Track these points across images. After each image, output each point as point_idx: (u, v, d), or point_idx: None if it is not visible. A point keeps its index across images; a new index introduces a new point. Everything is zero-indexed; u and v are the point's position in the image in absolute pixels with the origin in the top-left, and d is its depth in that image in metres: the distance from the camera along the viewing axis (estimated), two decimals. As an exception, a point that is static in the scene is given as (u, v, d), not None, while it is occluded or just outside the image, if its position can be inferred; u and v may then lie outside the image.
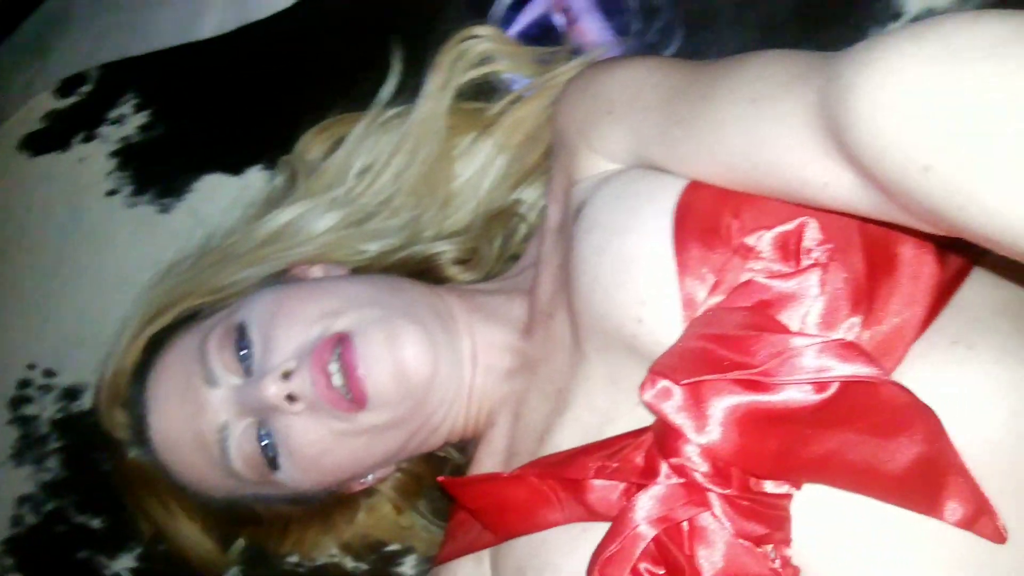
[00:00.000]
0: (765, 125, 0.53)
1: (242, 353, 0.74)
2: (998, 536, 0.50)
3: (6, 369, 1.16)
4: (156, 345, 0.81)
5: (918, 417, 0.49)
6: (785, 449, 0.52)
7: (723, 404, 0.52)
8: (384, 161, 0.91)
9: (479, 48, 0.92)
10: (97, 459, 1.09)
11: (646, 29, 0.89)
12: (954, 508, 0.49)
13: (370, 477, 0.84)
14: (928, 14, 0.83)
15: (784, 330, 0.53)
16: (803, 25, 0.87)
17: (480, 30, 0.92)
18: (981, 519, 0.49)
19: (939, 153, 0.41)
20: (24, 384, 1.15)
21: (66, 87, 1.15)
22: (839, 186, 0.49)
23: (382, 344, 0.70)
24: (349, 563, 0.98)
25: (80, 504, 1.12)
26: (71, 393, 1.13)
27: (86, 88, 1.15)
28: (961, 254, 0.58)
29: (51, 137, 1.16)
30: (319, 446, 0.73)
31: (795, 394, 0.51)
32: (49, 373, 1.14)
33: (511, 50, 0.93)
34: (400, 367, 0.70)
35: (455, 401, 0.76)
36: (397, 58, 0.96)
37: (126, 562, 1.09)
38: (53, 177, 1.15)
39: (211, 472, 0.77)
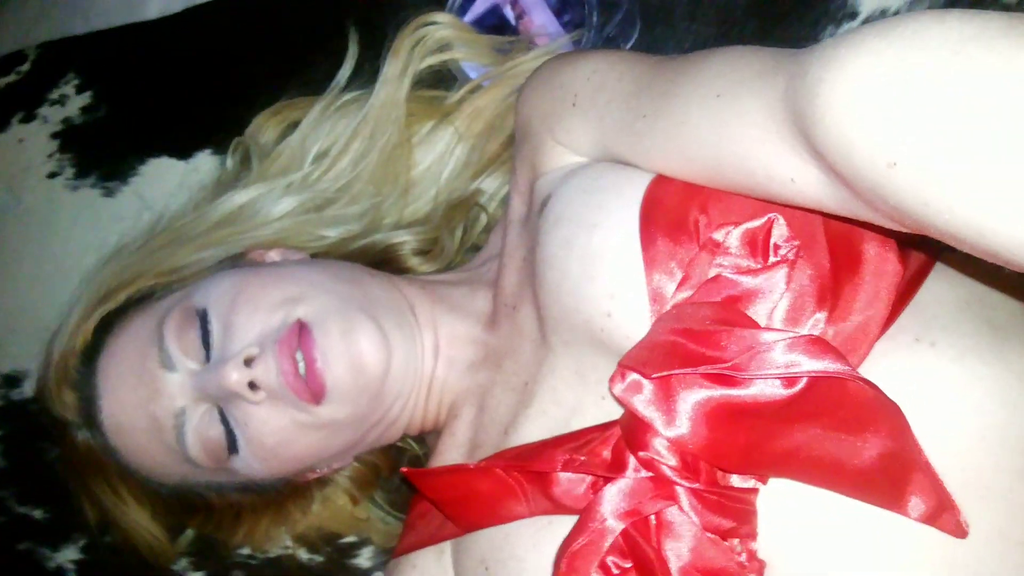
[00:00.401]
0: (730, 120, 0.53)
1: (202, 338, 0.72)
2: (960, 531, 0.51)
3: (-60, 356, 1.12)
4: (107, 326, 0.79)
5: (884, 413, 0.51)
6: (753, 443, 0.53)
7: (693, 398, 0.53)
8: (342, 146, 0.90)
9: (438, 35, 0.91)
10: (39, 448, 1.06)
11: (604, 22, 0.90)
12: (917, 503, 0.51)
13: (326, 467, 0.84)
14: (880, 15, 0.85)
15: (754, 325, 0.54)
16: (760, 22, 0.89)
17: (438, 16, 0.91)
18: (943, 515, 0.51)
19: (905, 149, 0.41)
20: (-40, 372, 1.11)
21: (3, 65, 1.11)
22: (805, 182, 0.50)
23: (338, 337, 0.70)
24: (304, 555, 0.98)
25: (21, 495, 1.09)
26: (11, 381, 1.10)
27: (24, 67, 1.10)
28: (923, 251, 0.60)
29: (-12, 116, 1.11)
30: (278, 436, 0.72)
31: (764, 389, 0.52)
32: (-14, 361, 1.10)
33: (469, 38, 0.92)
34: (355, 361, 0.70)
35: (413, 394, 0.76)
36: (353, 41, 0.94)
37: (70, 554, 1.07)
38: (-10, 158, 1.11)
39: (165, 457, 0.76)
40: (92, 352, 0.78)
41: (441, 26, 0.91)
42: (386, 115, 0.89)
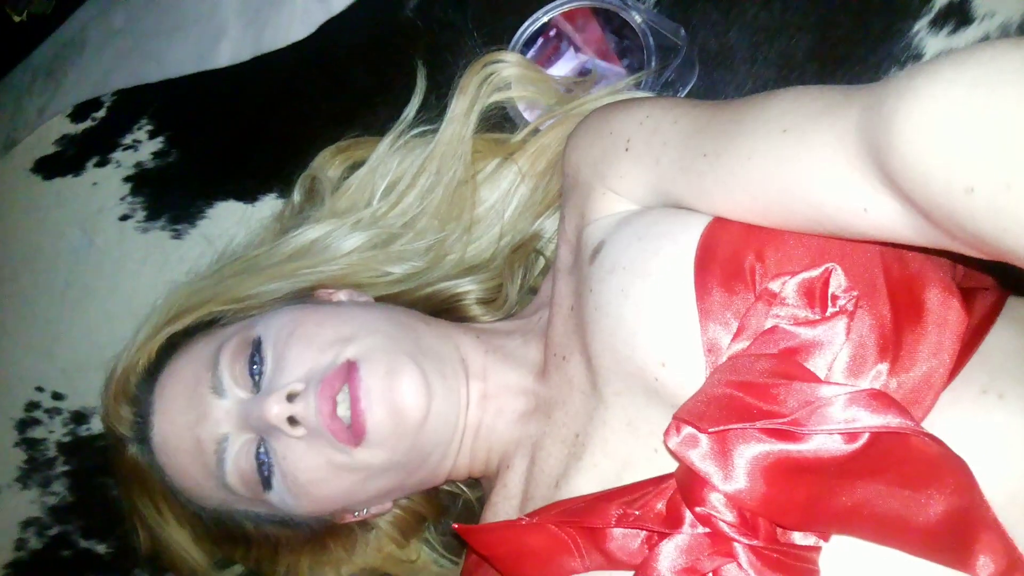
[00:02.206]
0: (799, 154, 0.53)
1: (253, 368, 0.74)
2: None
3: (14, 390, 1.16)
4: (171, 347, 0.81)
5: (949, 469, 0.49)
6: (813, 499, 0.51)
7: (750, 453, 0.52)
8: (409, 181, 0.92)
9: (505, 72, 0.92)
10: (104, 484, 1.09)
11: (663, 67, 0.90)
12: (986, 563, 0.49)
13: (365, 511, 0.84)
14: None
15: (813, 378, 0.53)
16: (821, 65, 0.88)
17: (506, 56, 0.92)
18: (1014, 575, 0.49)
19: (982, 175, 0.42)
20: (32, 406, 1.14)
21: (80, 112, 1.15)
22: (879, 212, 0.50)
23: (382, 378, 0.70)
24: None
25: (86, 529, 1.11)
26: (79, 417, 1.13)
27: (100, 113, 1.15)
28: (988, 298, 0.58)
29: (64, 161, 1.16)
30: (313, 474, 0.72)
31: (825, 444, 0.51)
32: (57, 396, 1.14)
33: (535, 76, 0.93)
34: (395, 404, 0.70)
35: (455, 442, 0.76)
36: (421, 77, 0.96)
37: (131, 589, 1.09)
38: (66, 201, 1.15)
39: (205, 481, 0.77)
40: (154, 370, 0.81)
41: (508, 64, 0.92)
42: (452, 151, 0.90)
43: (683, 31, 0.90)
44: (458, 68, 0.94)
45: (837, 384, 0.52)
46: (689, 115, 0.64)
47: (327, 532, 0.87)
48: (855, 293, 0.54)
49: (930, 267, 0.56)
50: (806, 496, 0.52)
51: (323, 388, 0.69)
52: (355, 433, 0.69)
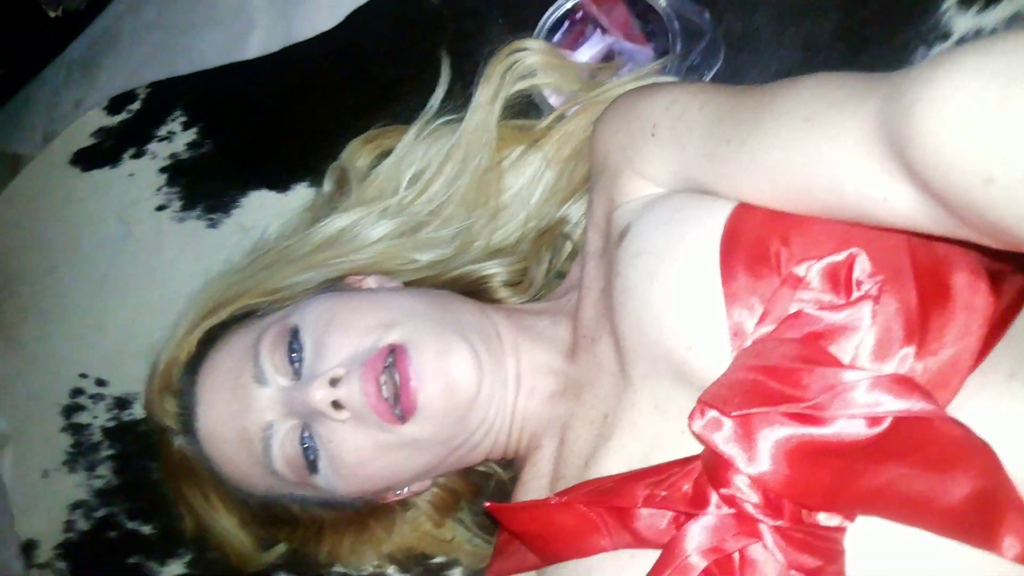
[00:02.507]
0: (821, 142, 0.53)
1: (292, 356, 0.75)
2: None
3: (59, 377, 1.20)
4: (211, 339, 0.83)
5: (974, 452, 0.50)
6: (837, 482, 0.52)
7: (773, 436, 0.53)
8: (435, 169, 0.93)
9: (529, 60, 0.92)
10: (148, 468, 1.12)
11: (688, 51, 0.90)
12: (1012, 543, 0.50)
13: (406, 490, 0.86)
14: (975, 35, 0.83)
15: (836, 363, 0.54)
16: (847, 45, 0.87)
17: (530, 43, 0.93)
18: None
19: (1001, 165, 0.42)
20: (77, 392, 1.18)
21: (115, 104, 1.18)
22: (898, 200, 0.50)
23: (434, 356, 0.72)
24: (394, 574, 1.00)
25: (131, 511, 1.15)
26: (122, 403, 1.16)
27: (135, 106, 1.17)
28: (1016, 281, 0.59)
29: (102, 153, 1.18)
30: (359, 455, 0.74)
31: (847, 428, 0.51)
32: (101, 383, 1.17)
33: (559, 64, 0.94)
34: (449, 382, 0.72)
35: (496, 420, 0.78)
36: (445, 66, 0.97)
37: (176, 569, 1.12)
38: (104, 192, 1.18)
39: (252, 468, 0.79)
40: (195, 363, 0.83)
41: (532, 52, 0.92)
42: (478, 139, 0.91)
43: (707, 14, 0.90)
44: (483, 56, 0.94)
45: (860, 369, 0.53)
46: (715, 101, 0.65)
47: (369, 512, 0.90)
48: (880, 278, 0.55)
49: (957, 251, 0.56)
50: (830, 478, 0.52)
51: (365, 371, 0.71)
52: (405, 410, 0.71)
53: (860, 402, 0.50)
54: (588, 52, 0.97)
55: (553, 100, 0.96)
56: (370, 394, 0.71)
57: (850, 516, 0.54)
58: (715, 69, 0.92)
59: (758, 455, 0.53)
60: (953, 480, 0.50)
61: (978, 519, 0.51)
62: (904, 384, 0.50)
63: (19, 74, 1.23)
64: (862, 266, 0.54)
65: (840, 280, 0.55)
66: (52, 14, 1.19)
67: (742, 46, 0.92)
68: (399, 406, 0.71)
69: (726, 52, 0.92)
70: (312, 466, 0.76)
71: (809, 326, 0.55)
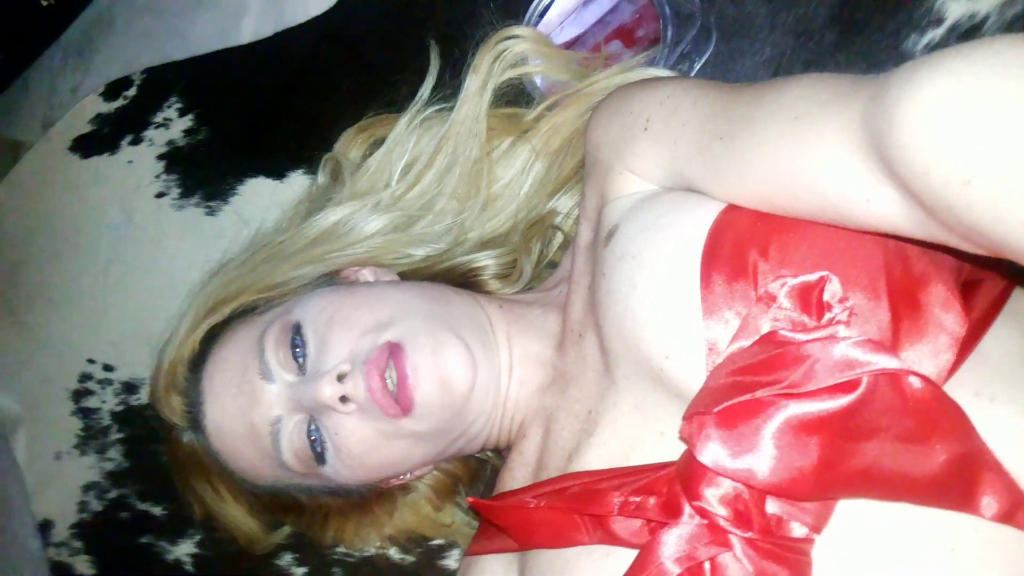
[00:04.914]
0: (808, 141, 0.54)
1: (296, 352, 0.77)
2: None
3: (68, 363, 1.22)
4: (213, 337, 0.85)
5: (947, 414, 0.51)
6: (825, 465, 0.53)
7: (756, 424, 0.53)
8: (426, 160, 0.93)
9: (517, 48, 0.92)
10: (157, 451, 1.15)
11: (680, 38, 0.89)
12: (990, 503, 0.51)
13: (408, 475, 0.88)
14: (969, 20, 0.81)
15: (796, 343, 0.54)
16: (841, 30, 0.86)
17: (519, 30, 0.92)
18: (1018, 512, 0.51)
19: (979, 167, 0.43)
20: (85, 377, 1.21)
21: (112, 90, 1.19)
22: (880, 203, 0.50)
23: (429, 354, 0.73)
24: (396, 555, 1.03)
25: (142, 493, 1.18)
26: (130, 387, 1.18)
27: (131, 92, 1.18)
28: (990, 293, 0.59)
29: (100, 139, 1.19)
30: (364, 445, 0.76)
31: (826, 398, 0.52)
32: (108, 368, 1.20)
33: (549, 52, 0.93)
34: (444, 379, 0.73)
35: (492, 412, 0.79)
36: (434, 55, 0.97)
37: (186, 548, 1.15)
38: (104, 179, 1.19)
39: (261, 462, 0.81)
40: (199, 361, 0.85)
41: (521, 39, 0.92)
42: (467, 130, 0.91)
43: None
44: (473, 44, 0.94)
45: (823, 339, 0.54)
46: (709, 96, 0.65)
47: (372, 498, 0.92)
48: (850, 304, 0.55)
49: (934, 267, 0.56)
50: (817, 461, 0.53)
51: (369, 368, 0.73)
52: (403, 407, 0.73)
53: (832, 369, 0.51)
54: (593, 13, 0.96)
55: (541, 83, 0.95)
56: (375, 389, 0.72)
57: (824, 518, 0.55)
58: (706, 56, 0.91)
59: (745, 447, 0.53)
60: (931, 450, 0.52)
61: (957, 483, 0.52)
62: (871, 344, 0.52)
63: (17, 60, 1.23)
64: (832, 290, 0.55)
65: (812, 302, 0.56)
66: (44, 3, 1.18)
67: (734, 31, 0.90)
68: (399, 402, 0.73)
69: (718, 38, 0.91)
70: (320, 457, 0.78)
71: (782, 347, 0.56)
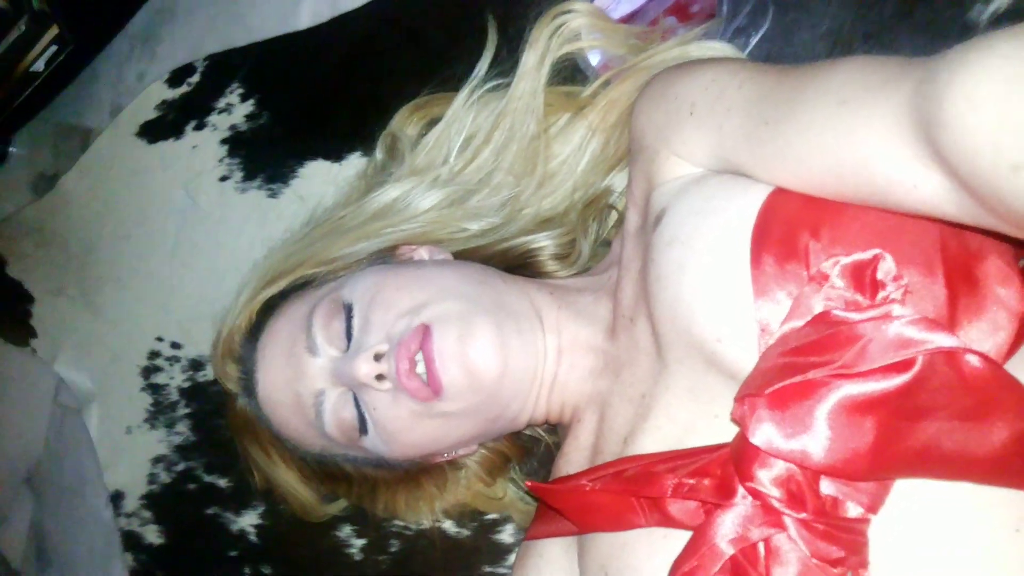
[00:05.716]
0: (854, 126, 0.53)
1: (343, 328, 0.79)
2: None
3: (137, 341, 1.27)
4: (269, 308, 0.88)
5: (1006, 391, 0.50)
6: (880, 445, 0.52)
7: (811, 405, 0.53)
8: (484, 136, 0.94)
9: (574, 23, 0.91)
10: (221, 425, 1.18)
11: (735, 12, 0.87)
12: None
13: (452, 452, 0.90)
14: (1037, -11, 0.79)
15: (851, 323, 0.53)
16: (901, 1, 0.84)
17: (576, 5, 0.91)
18: None
19: None
20: (154, 355, 1.25)
21: (176, 77, 1.22)
22: (927, 188, 0.50)
23: (455, 341, 0.74)
24: (451, 528, 1.05)
25: (208, 466, 1.22)
26: (196, 364, 1.22)
27: (194, 79, 1.21)
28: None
29: (166, 125, 1.23)
30: (398, 423, 0.78)
31: (880, 378, 0.51)
32: (175, 345, 1.24)
33: (605, 26, 0.92)
34: (469, 363, 0.74)
35: (532, 394, 0.80)
36: (492, 31, 0.97)
37: (250, 519, 1.19)
38: (169, 163, 1.23)
39: (306, 430, 0.84)
40: (255, 331, 0.87)
41: (578, 14, 0.91)
42: (525, 106, 0.92)
43: (755, -27, 0.87)
44: (530, 19, 0.94)
45: (877, 318, 0.53)
46: (754, 80, 0.64)
47: (420, 471, 0.94)
48: (904, 282, 0.54)
49: (989, 243, 0.55)
50: (873, 441, 0.52)
51: (399, 350, 0.74)
52: (433, 389, 0.74)
53: (887, 348, 0.51)
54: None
55: (598, 59, 0.95)
56: (403, 372, 0.74)
57: (876, 505, 0.54)
58: (763, 30, 0.89)
59: (799, 428, 0.53)
60: (991, 427, 0.50)
61: (1019, 461, 0.51)
62: (926, 322, 0.51)
63: (86, 50, 1.27)
64: (886, 268, 0.54)
65: (865, 280, 0.55)
66: (111, -8, 1.22)
67: (791, 5, 0.89)
68: (429, 384, 0.75)
69: (774, 11, 0.89)
70: (362, 429, 0.80)
71: (835, 327, 0.55)
